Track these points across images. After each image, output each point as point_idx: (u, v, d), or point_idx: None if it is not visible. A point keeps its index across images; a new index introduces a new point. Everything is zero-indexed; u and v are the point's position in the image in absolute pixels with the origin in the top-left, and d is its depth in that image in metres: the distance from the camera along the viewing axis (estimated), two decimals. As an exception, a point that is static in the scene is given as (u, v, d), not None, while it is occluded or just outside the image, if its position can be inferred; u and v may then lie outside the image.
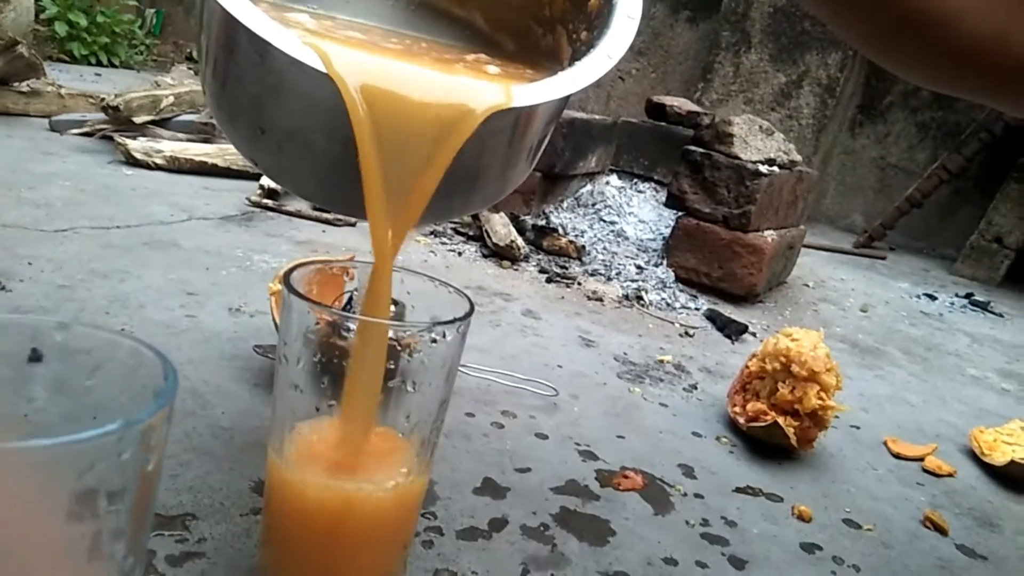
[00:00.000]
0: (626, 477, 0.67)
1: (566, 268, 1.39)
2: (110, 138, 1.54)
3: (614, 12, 0.44)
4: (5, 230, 0.94)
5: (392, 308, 0.42)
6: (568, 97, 0.40)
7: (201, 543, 0.47)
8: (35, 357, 0.30)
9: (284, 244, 1.19)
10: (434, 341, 0.38)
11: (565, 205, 1.67)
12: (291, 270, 0.39)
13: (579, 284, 1.31)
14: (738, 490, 0.70)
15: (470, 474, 0.62)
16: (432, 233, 1.49)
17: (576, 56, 0.46)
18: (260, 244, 1.15)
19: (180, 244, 1.05)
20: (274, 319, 0.72)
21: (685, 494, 0.67)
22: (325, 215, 1.42)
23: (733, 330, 1.18)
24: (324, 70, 0.34)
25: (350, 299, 0.46)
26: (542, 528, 0.57)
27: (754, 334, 1.22)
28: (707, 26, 3.03)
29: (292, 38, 0.34)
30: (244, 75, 0.41)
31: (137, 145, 1.46)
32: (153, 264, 0.94)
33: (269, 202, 1.39)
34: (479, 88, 0.37)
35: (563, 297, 1.24)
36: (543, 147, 0.48)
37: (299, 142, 0.41)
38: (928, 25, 0.37)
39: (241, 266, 1.02)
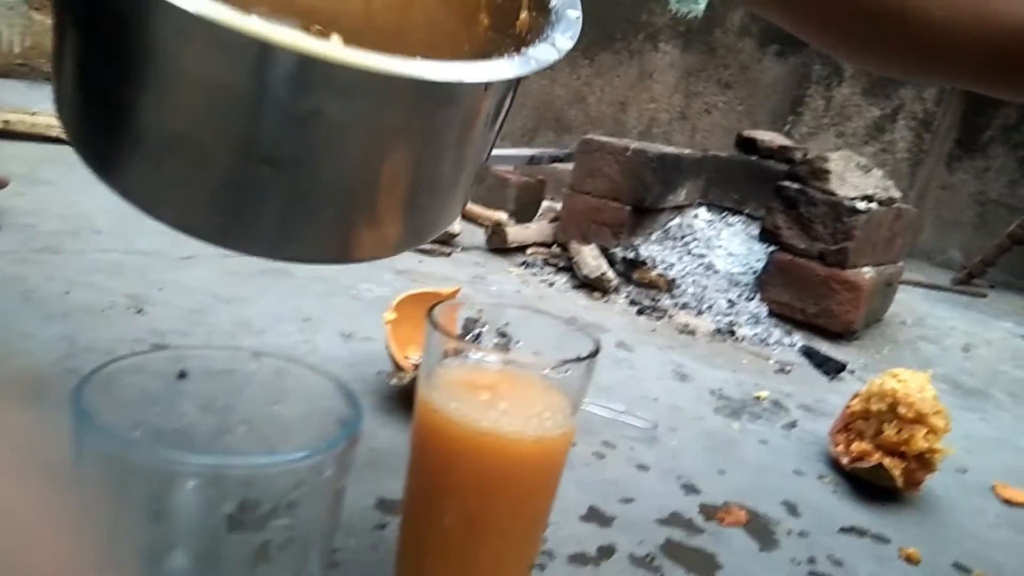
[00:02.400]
0: (729, 512, 0.68)
1: (656, 301, 1.40)
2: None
3: (554, 14, 0.39)
4: (138, 257, 1.02)
5: (499, 339, 0.45)
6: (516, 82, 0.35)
7: (334, 553, 0.50)
8: (181, 375, 0.33)
9: (386, 273, 1.24)
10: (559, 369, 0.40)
11: (654, 238, 1.68)
12: (432, 307, 0.42)
13: (670, 317, 1.32)
14: (843, 530, 0.69)
15: (575, 501, 0.64)
16: (523, 264, 1.53)
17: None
18: (363, 273, 1.20)
19: (292, 273, 1.11)
20: (387, 346, 0.75)
21: (789, 532, 0.67)
22: (421, 246, 1.47)
23: (831, 367, 1.17)
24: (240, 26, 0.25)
25: (478, 335, 0.48)
26: (649, 558, 0.58)
27: (852, 372, 1.20)
28: (796, 59, 3.01)
29: None
30: (115, 60, 0.31)
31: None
32: (270, 291, 1.00)
33: (370, 232, 1.44)
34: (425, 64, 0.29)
35: (654, 330, 1.25)
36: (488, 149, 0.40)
37: (188, 147, 0.32)
38: (905, 11, 0.38)
39: (349, 294, 1.07)
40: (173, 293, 0.91)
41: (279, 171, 0.30)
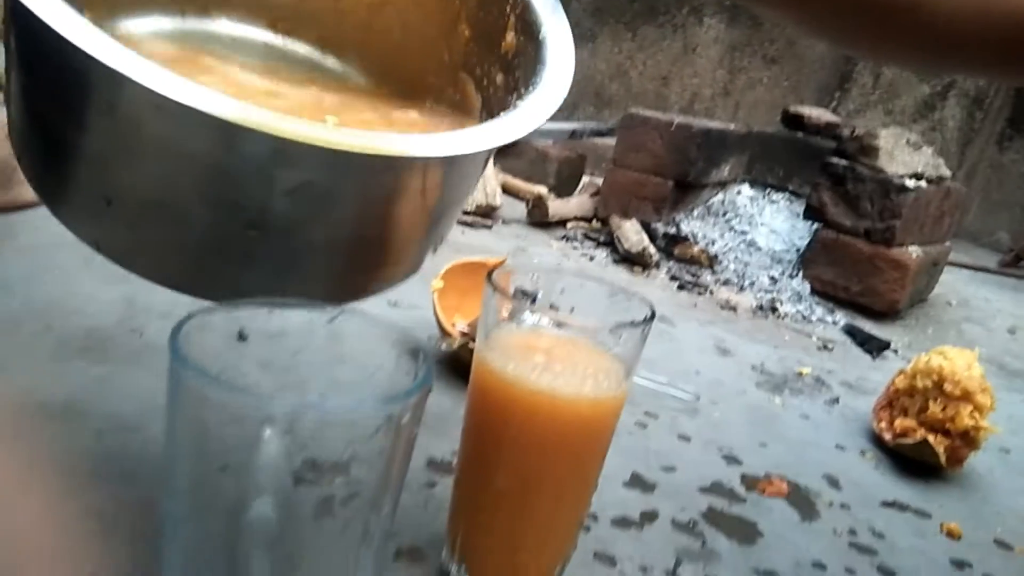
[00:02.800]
0: (771, 483, 0.68)
1: (697, 276, 1.39)
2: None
3: (545, 51, 0.38)
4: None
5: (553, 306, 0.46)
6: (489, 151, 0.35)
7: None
8: (242, 337, 0.35)
9: (429, 244, 1.25)
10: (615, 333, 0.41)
11: (696, 214, 1.67)
12: (491, 271, 0.43)
13: (711, 293, 1.32)
14: (885, 504, 0.70)
15: (619, 468, 0.65)
16: (564, 238, 1.53)
17: (490, 103, 0.41)
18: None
19: (339, 241, 1.13)
20: (435, 312, 0.77)
21: (831, 504, 0.68)
22: (463, 218, 1.48)
23: (874, 346, 1.16)
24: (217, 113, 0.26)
25: (534, 300, 0.49)
26: (691, 524, 0.60)
27: (895, 351, 1.19)
28: (845, 34, 2.94)
29: (161, 72, 0.26)
30: (84, 124, 0.31)
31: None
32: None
33: (413, 204, 1.46)
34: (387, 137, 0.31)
35: (696, 305, 1.25)
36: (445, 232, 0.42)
37: (161, 213, 0.32)
38: (911, 7, 0.37)
39: (394, 263, 1.08)
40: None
41: (263, 233, 0.31)
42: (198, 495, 0.29)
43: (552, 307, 0.46)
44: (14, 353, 0.61)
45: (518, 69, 0.39)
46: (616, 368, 0.41)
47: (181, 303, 0.77)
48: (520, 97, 0.36)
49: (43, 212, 0.96)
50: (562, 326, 0.42)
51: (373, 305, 0.90)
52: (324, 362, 0.33)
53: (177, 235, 0.33)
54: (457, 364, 0.74)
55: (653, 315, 0.41)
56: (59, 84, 0.30)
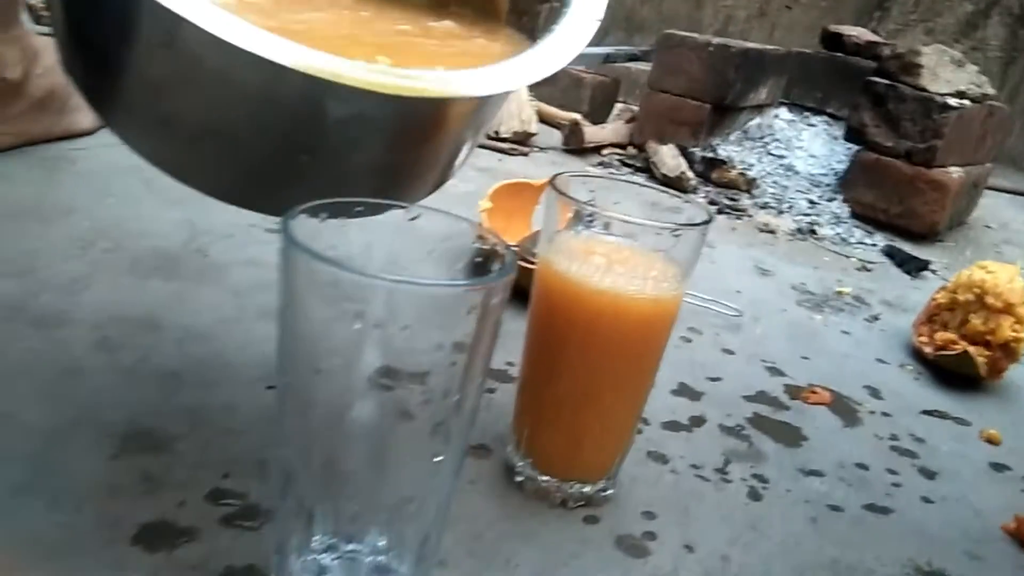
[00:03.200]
0: (814, 392, 0.71)
1: (736, 200, 1.40)
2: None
3: None
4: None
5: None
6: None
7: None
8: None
9: (468, 171, 1.27)
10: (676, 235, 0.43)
11: (732, 138, 1.66)
12: (555, 177, 0.45)
13: (750, 216, 1.32)
14: (925, 412, 0.72)
15: (666, 378, 0.68)
16: (600, 164, 1.53)
17: (517, 5, 0.41)
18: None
19: (381, 167, 1.15)
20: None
21: (872, 412, 0.70)
22: (500, 145, 1.49)
23: (913, 266, 1.16)
24: (270, 56, 0.27)
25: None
26: (738, 428, 0.62)
27: (934, 271, 1.19)
28: (886, -50, 2.84)
29: (213, 14, 0.27)
30: (140, 56, 0.32)
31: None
32: (364, 183, 1.04)
33: (450, 131, 1.47)
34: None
35: (734, 229, 1.26)
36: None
37: (219, 137, 0.34)
38: None
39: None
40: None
41: (314, 158, 0.33)
42: (309, 385, 0.31)
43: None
44: (93, 270, 0.64)
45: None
46: (674, 270, 0.43)
47: (240, 225, 0.80)
48: (552, 7, 0.37)
49: (98, 139, 1.00)
50: (620, 227, 0.44)
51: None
52: (412, 256, 0.35)
53: (231, 158, 0.35)
54: (507, 281, 0.77)
55: (711, 218, 0.43)
56: (114, 15, 0.31)
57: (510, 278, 0.30)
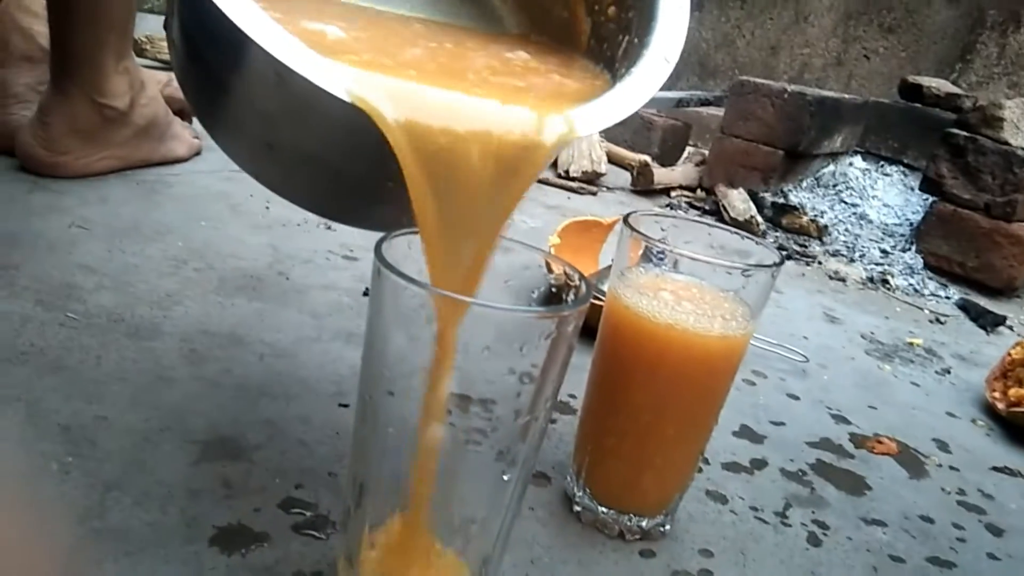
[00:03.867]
0: (880, 443, 0.70)
1: (806, 247, 1.39)
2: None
3: (658, 3, 0.38)
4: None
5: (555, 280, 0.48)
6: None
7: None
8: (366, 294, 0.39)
9: (537, 208, 1.29)
10: (746, 275, 0.44)
11: (804, 185, 1.65)
12: (628, 216, 0.47)
13: (819, 263, 1.31)
14: (995, 469, 0.70)
15: (728, 420, 0.68)
16: (668, 206, 1.54)
17: (599, 32, 0.41)
18: (518, 207, 1.26)
19: (454, 201, 1.18)
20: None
21: (940, 465, 0.68)
22: (570, 184, 1.51)
23: (989, 321, 1.13)
24: (357, 103, 0.29)
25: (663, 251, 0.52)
26: (800, 473, 0.62)
27: (1011, 327, 1.16)
28: (970, 2, 2.80)
29: (320, 64, 0.29)
30: (254, 91, 0.35)
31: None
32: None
33: (521, 168, 1.50)
34: (536, 117, 0.32)
35: (803, 275, 1.25)
36: None
37: (317, 164, 0.37)
38: None
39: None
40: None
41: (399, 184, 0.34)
42: (385, 404, 0.33)
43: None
44: (185, 287, 0.68)
45: (632, 9, 0.39)
46: (742, 310, 0.44)
47: (320, 251, 0.84)
48: (631, 42, 0.38)
49: (193, 166, 1.06)
50: (689, 266, 0.45)
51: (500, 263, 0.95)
52: (488, 285, 0.37)
53: (325, 181, 0.39)
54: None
55: (783, 260, 0.44)
56: (231, 55, 0.33)
57: (585, 307, 0.31)
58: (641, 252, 0.46)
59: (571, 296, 0.33)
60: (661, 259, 0.45)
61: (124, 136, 0.92)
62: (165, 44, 1.07)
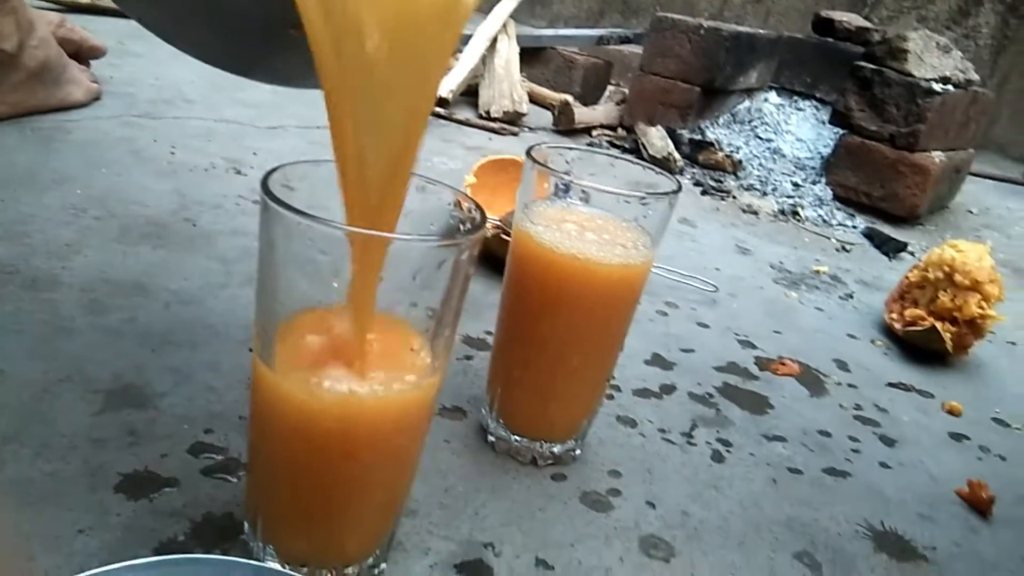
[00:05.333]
0: (783, 364, 0.73)
1: (721, 182, 1.41)
2: (297, 47, 1.68)
3: None
4: (229, 125, 1.08)
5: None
6: None
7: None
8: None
9: (457, 149, 1.28)
10: (644, 203, 0.45)
11: (721, 121, 1.68)
12: (531, 148, 0.47)
13: (734, 198, 1.34)
14: (890, 385, 0.74)
15: (640, 350, 0.70)
16: (589, 144, 1.55)
17: None
18: (437, 148, 1.25)
19: (370, 143, 1.16)
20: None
21: (839, 383, 0.72)
22: (491, 125, 1.50)
23: (891, 247, 1.19)
24: None
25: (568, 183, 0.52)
26: (707, 396, 0.65)
27: (912, 253, 1.22)
28: (882, -64, 2.84)
29: None
30: None
31: (323, 54, 1.58)
32: (352, 159, 1.05)
33: (440, 110, 1.48)
34: None
35: (718, 209, 1.28)
36: None
37: (213, 4, 0.37)
38: None
39: (424, 166, 1.12)
40: (266, 158, 0.97)
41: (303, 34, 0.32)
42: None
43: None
44: (84, 236, 0.66)
45: None
46: (643, 239, 0.45)
47: (229, 196, 0.82)
48: None
49: (91, 112, 1.02)
50: (593, 197, 0.46)
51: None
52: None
53: (225, 25, 0.37)
54: (487, 255, 0.78)
55: (679, 188, 0.45)
56: None
57: (479, 235, 0.32)
58: (546, 185, 0.46)
59: (466, 225, 0.34)
60: (565, 191, 0.46)
61: (14, 81, 0.87)
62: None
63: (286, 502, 0.35)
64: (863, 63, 1.39)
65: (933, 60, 1.35)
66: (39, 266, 0.60)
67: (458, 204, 0.35)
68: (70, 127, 0.91)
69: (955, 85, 1.36)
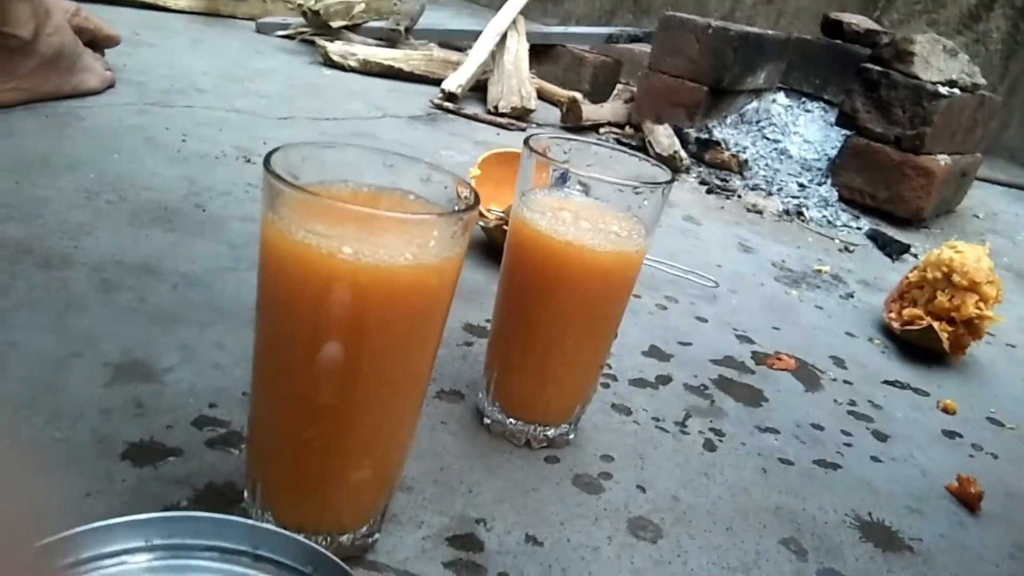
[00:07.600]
0: (780, 359, 0.74)
1: (726, 181, 1.42)
2: (310, 41, 1.69)
3: None
4: (240, 115, 1.09)
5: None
6: None
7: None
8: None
9: (465, 143, 1.30)
10: (637, 193, 0.46)
11: (728, 121, 1.68)
12: (529, 138, 0.48)
13: (739, 197, 1.35)
14: (886, 382, 0.75)
15: (638, 340, 0.71)
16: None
17: None
18: (445, 142, 1.26)
19: (379, 136, 1.17)
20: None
21: (835, 379, 0.73)
22: (499, 120, 1.51)
23: (895, 249, 1.19)
24: None
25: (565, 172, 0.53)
26: (702, 388, 0.66)
27: (916, 256, 1.22)
28: (895, -60, 2.84)
29: None
30: None
31: (335, 48, 1.60)
32: (361, 150, 1.07)
33: (449, 105, 1.49)
34: None
35: (723, 208, 1.28)
36: None
37: None
38: None
39: (433, 159, 1.13)
40: (275, 147, 0.99)
41: None
42: (280, 317, 0.34)
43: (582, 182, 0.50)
44: (96, 218, 0.68)
45: None
46: (637, 227, 0.46)
47: (238, 184, 0.84)
48: None
49: (105, 98, 1.04)
50: (589, 187, 0.47)
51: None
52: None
53: None
54: (491, 246, 0.80)
55: (672, 179, 0.46)
56: None
57: (471, 215, 0.33)
58: (544, 175, 0.47)
59: (459, 205, 0.35)
60: (562, 181, 0.47)
61: (29, 67, 0.89)
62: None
63: (285, 464, 0.37)
64: (870, 65, 1.39)
65: (939, 63, 1.36)
66: (52, 246, 0.61)
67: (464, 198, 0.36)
68: (84, 113, 0.93)
69: (962, 88, 1.37)
